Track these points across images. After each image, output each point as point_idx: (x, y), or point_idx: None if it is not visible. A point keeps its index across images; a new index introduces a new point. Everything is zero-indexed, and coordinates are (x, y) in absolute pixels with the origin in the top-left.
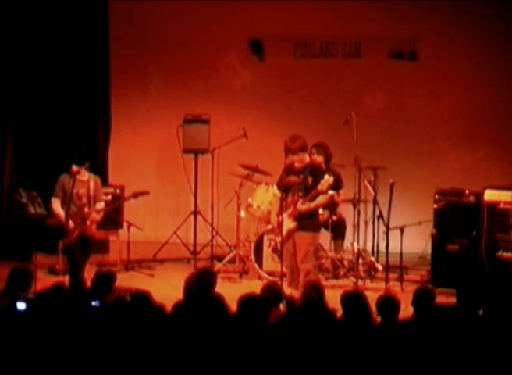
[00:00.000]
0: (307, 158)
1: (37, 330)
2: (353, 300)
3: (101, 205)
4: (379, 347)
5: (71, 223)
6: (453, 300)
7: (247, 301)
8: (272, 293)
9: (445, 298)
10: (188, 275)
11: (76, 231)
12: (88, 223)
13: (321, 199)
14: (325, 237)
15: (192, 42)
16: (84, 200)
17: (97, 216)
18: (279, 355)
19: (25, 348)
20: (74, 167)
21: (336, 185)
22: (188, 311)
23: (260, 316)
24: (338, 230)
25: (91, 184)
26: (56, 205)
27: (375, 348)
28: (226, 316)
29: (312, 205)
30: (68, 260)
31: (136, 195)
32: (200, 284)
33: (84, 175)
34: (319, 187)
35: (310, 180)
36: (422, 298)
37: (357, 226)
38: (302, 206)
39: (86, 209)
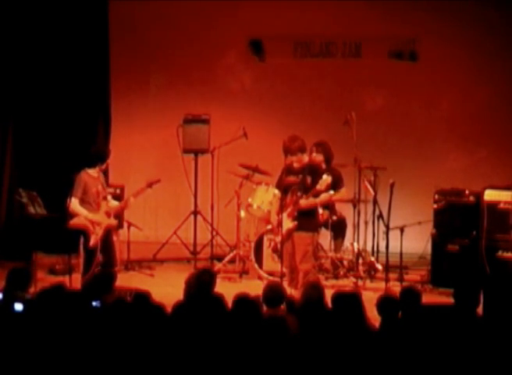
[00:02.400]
0: (305, 159)
1: (37, 331)
2: (345, 300)
3: (109, 198)
4: (372, 347)
5: (100, 221)
6: (451, 300)
7: (240, 301)
8: (273, 293)
9: (445, 298)
10: (188, 275)
11: (103, 229)
12: (112, 218)
13: (323, 197)
14: (325, 237)
15: (192, 42)
16: (100, 197)
17: (117, 210)
18: (279, 355)
19: (24, 348)
20: (103, 165)
21: (335, 185)
22: (188, 311)
23: (254, 315)
24: (338, 229)
25: (102, 180)
26: (77, 205)
27: (367, 347)
28: (226, 316)
29: (318, 200)
30: (92, 259)
31: (150, 185)
32: (200, 284)
33: (95, 172)
34: (318, 187)
35: (309, 179)
36: (408, 298)
37: (357, 226)
38: (304, 201)
39: (105, 206)
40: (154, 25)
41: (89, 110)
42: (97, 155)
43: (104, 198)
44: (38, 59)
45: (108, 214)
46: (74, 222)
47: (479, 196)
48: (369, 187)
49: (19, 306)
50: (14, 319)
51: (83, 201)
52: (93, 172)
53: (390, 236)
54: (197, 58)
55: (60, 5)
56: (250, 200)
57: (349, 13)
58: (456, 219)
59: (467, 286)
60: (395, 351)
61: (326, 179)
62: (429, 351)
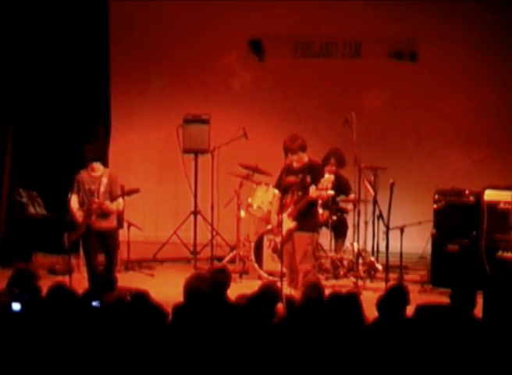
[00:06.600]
0: (305, 158)
1: (37, 330)
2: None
3: (119, 201)
4: (371, 347)
5: (80, 218)
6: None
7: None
8: (269, 293)
9: (445, 298)
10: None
11: (81, 226)
12: (93, 217)
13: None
14: (325, 237)
15: (192, 42)
16: (96, 196)
17: (104, 210)
18: (280, 356)
19: (24, 348)
20: (93, 164)
21: (345, 190)
22: (187, 313)
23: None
24: (339, 230)
25: (103, 180)
26: (73, 201)
27: (366, 347)
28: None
29: (323, 193)
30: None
31: (128, 193)
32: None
33: (98, 171)
34: (319, 186)
35: (308, 179)
36: (396, 296)
37: (357, 226)
38: (315, 192)
39: (94, 204)
40: (154, 25)
41: (89, 110)
42: (86, 154)
43: (100, 197)
44: (38, 59)
45: (89, 214)
46: (67, 217)
47: (479, 196)
48: (369, 187)
49: (16, 306)
50: (12, 319)
51: (78, 198)
52: (94, 171)
53: (390, 236)
54: (197, 59)
55: (60, 5)
56: (250, 200)
57: (349, 13)
58: (456, 219)
59: (463, 287)
60: (395, 352)
61: (329, 178)
62: (428, 352)
